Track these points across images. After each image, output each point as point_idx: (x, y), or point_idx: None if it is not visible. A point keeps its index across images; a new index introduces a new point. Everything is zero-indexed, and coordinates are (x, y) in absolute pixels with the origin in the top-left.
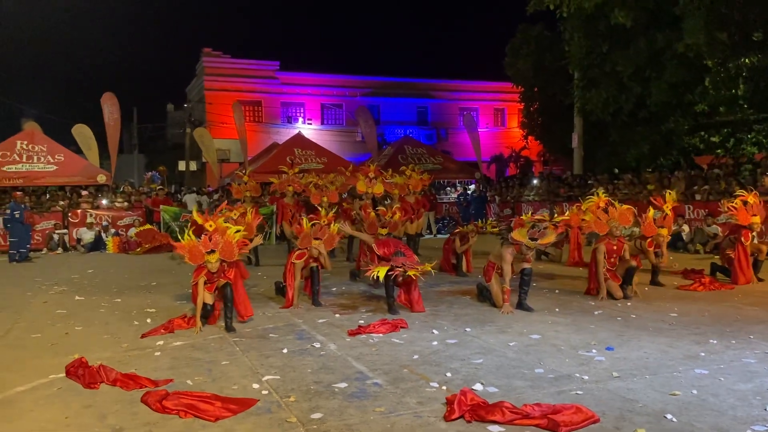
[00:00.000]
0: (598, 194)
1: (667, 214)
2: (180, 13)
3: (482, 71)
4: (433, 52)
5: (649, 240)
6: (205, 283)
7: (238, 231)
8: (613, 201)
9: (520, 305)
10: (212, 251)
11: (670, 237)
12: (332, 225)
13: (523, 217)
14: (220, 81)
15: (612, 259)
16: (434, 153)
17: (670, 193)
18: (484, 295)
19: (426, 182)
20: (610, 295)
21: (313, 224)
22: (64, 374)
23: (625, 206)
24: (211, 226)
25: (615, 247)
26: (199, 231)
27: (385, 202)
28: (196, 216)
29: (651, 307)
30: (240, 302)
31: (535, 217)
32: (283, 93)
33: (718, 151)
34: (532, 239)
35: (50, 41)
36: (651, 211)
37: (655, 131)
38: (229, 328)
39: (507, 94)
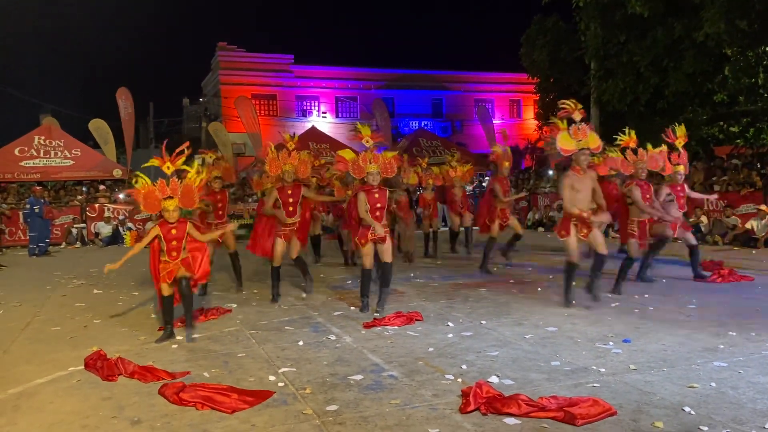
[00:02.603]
0: (629, 134)
1: (679, 150)
2: (195, 8)
3: (497, 62)
4: (448, 44)
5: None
6: (162, 257)
7: (199, 174)
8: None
9: (589, 289)
10: (170, 197)
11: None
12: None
13: (557, 121)
14: (235, 75)
15: (648, 196)
16: (449, 145)
17: (679, 126)
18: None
19: (471, 173)
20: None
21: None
22: (83, 367)
23: (657, 149)
24: (168, 168)
25: (645, 187)
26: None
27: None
28: (155, 161)
29: (669, 299)
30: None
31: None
32: (297, 86)
33: (738, 141)
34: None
35: (67, 37)
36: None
37: (673, 121)
38: (188, 338)
39: (522, 86)
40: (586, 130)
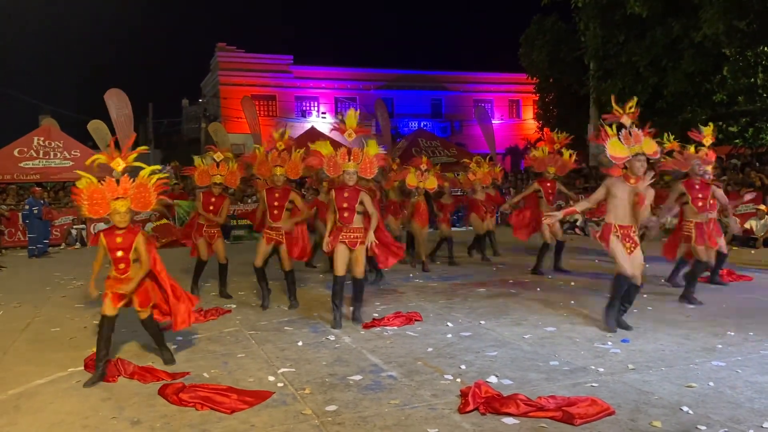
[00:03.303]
0: (670, 138)
1: (706, 150)
2: (194, 9)
3: (497, 63)
4: (448, 44)
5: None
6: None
7: (154, 173)
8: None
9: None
10: (121, 197)
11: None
12: None
13: (605, 127)
14: (234, 76)
15: (699, 201)
16: (448, 146)
17: (708, 126)
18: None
19: (498, 176)
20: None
21: None
22: (83, 367)
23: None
24: (118, 164)
25: (698, 186)
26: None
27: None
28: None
29: (668, 299)
30: (176, 308)
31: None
32: (296, 87)
33: (737, 141)
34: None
35: (66, 39)
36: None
37: (672, 121)
38: (166, 362)
39: (522, 86)
40: (640, 135)
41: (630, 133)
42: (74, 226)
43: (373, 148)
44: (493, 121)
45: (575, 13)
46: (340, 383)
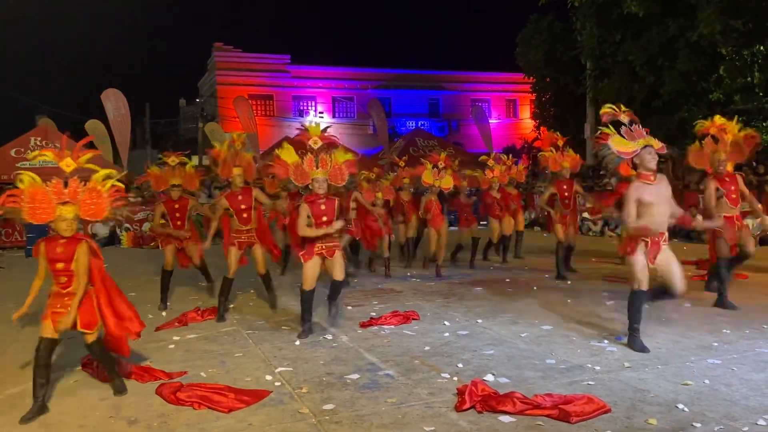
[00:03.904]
0: (712, 119)
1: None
2: (191, 9)
3: (494, 62)
4: (445, 44)
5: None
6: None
7: (108, 177)
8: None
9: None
10: (68, 202)
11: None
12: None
13: (604, 129)
14: (231, 75)
15: (732, 194)
16: (445, 145)
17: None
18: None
19: (520, 174)
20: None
21: None
22: (81, 367)
23: (744, 132)
24: (68, 165)
25: (728, 182)
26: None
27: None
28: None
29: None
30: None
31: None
32: (294, 87)
33: None
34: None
35: (63, 39)
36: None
37: (669, 120)
38: (117, 391)
39: (519, 85)
40: (642, 131)
41: (631, 129)
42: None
43: (342, 155)
44: (490, 121)
45: (572, 12)
46: (338, 382)
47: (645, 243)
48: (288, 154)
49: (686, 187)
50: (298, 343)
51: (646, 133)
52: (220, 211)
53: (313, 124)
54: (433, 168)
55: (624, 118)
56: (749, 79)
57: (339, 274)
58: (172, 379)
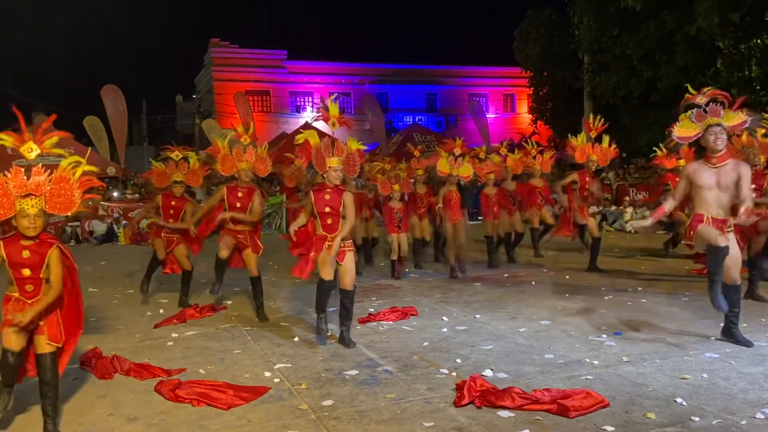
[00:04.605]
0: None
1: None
2: (187, 5)
3: (491, 57)
4: (442, 39)
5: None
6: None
7: (77, 164)
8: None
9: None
10: (30, 195)
11: None
12: None
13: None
14: (228, 71)
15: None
16: (443, 140)
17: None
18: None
19: (546, 164)
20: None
21: None
22: (79, 365)
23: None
24: (30, 150)
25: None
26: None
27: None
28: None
29: (661, 291)
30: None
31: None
32: (291, 82)
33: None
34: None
35: (60, 35)
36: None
37: (666, 114)
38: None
39: (516, 80)
40: (718, 110)
41: (705, 111)
42: (69, 224)
43: (354, 143)
44: (487, 115)
45: (569, 6)
46: (336, 378)
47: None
48: (313, 136)
49: None
50: (296, 339)
51: (736, 108)
52: (215, 200)
53: (332, 103)
54: (449, 156)
55: (701, 101)
56: (747, 72)
57: (347, 282)
58: (171, 376)
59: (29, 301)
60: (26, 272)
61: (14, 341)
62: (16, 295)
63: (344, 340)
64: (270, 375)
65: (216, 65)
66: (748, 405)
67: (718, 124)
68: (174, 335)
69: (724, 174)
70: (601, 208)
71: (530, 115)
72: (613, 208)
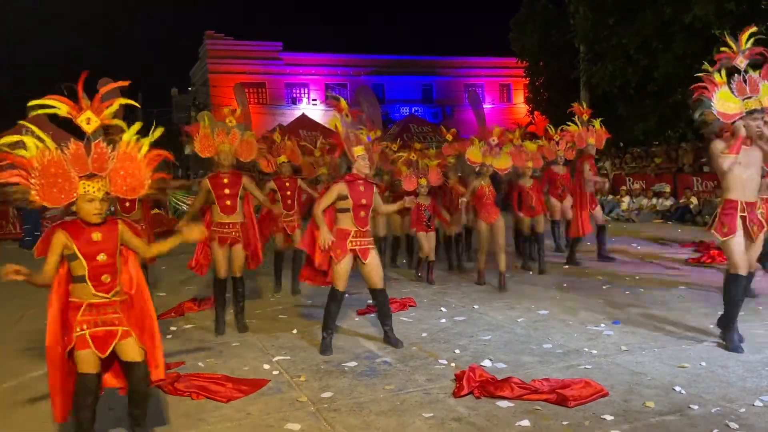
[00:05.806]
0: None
1: None
2: None
3: (487, 47)
4: (438, 29)
5: None
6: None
7: (138, 136)
8: None
9: None
10: (93, 174)
11: None
12: None
13: (713, 74)
14: (223, 63)
15: None
16: (439, 131)
17: None
18: None
19: (569, 151)
20: None
21: None
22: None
23: None
24: (88, 121)
25: None
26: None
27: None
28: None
29: (659, 280)
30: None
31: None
32: (286, 74)
33: None
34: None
35: (54, 28)
36: None
37: (663, 104)
38: None
39: (512, 70)
40: (758, 81)
41: (745, 80)
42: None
43: (366, 133)
44: (484, 106)
45: None
46: (335, 370)
47: (743, 218)
48: (339, 125)
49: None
50: (295, 331)
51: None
52: (201, 198)
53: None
54: (482, 144)
55: (741, 63)
56: None
57: (376, 281)
58: (170, 369)
59: (108, 297)
60: (102, 258)
61: (92, 362)
62: (88, 295)
63: (390, 340)
64: (269, 367)
65: (211, 57)
66: (747, 393)
67: (761, 109)
68: (172, 328)
69: (756, 154)
70: (599, 196)
71: (527, 106)
72: (610, 197)
